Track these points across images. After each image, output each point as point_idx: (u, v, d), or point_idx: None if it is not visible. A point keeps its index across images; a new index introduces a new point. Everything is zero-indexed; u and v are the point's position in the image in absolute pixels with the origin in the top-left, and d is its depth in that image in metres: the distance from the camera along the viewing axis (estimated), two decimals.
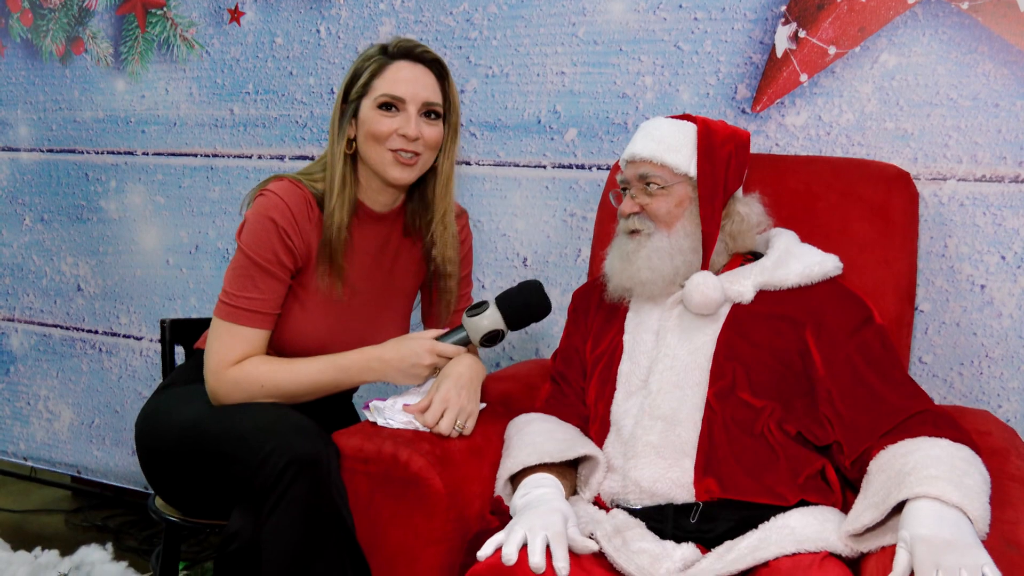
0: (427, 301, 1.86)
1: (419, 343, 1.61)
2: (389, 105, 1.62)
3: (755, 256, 1.61)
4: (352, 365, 1.61)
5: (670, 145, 1.55)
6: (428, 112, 1.65)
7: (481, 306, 1.62)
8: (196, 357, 1.78)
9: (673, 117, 1.61)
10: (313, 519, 1.41)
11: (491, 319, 1.61)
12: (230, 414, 1.55)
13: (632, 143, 1.60)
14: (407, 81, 1.63)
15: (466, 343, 1.64)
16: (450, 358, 1.62)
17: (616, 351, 1.59)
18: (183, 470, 1.59)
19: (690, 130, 1.57)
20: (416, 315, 1.88)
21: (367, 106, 1.63)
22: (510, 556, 1.23)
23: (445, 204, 1.72)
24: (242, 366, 1.58)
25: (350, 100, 1.65)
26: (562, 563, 1.23)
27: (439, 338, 1.63)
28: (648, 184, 1.55)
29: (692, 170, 1.55)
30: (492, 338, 1.62)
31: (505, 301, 1.63)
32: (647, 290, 1.56)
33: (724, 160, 1.54)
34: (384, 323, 1.75)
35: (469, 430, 1.57)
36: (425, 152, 1.65)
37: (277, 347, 1.67)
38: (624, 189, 1.62)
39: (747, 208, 1.58)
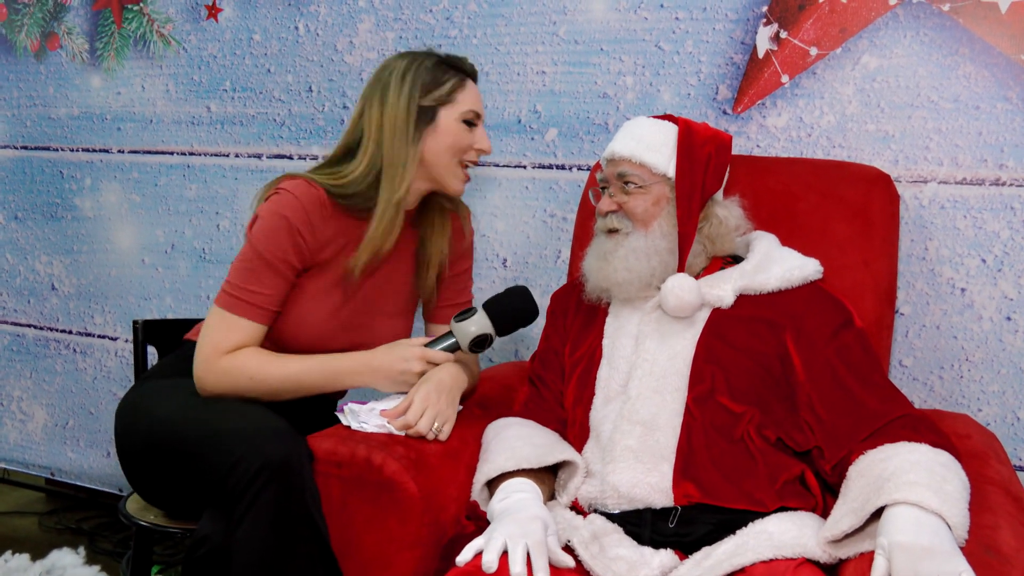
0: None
1: (409, 350, 1.61)
2: (471, 122, 1.67)
3: (735, 260, 1.59)
4: (341, 368, 1.60)
5: (650, 144, 1.54)
6: None
7: (469, 312, 1.63)
8: (184, 348, 1.76)
9: (656, 117, 1.60)
10: (285, 525, 1.39)
11: (479, 324, 1.62)
12: (206, 413, 1.53)
13: (613, 141, 1.59)
14: (480, 101, 1.70)
15: (455, 348, 1.64)
16: (439, 364, 1.62)
17: (595, 355, 1.58)
18: (158, 467, 1.57)
19: (671, 130, 1.56)
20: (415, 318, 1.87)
21: (451, 116, 1.65)
22: (491, 563, 1.21)
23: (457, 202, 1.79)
24: (234, 356, 1.57)
25: (426, 107, 1.64)
26: (543, 573, 1.22)
27: (428, 345, 1.63)
28: (626, 183, 1.54)
29: (671, 170, 1.53)
30: (480, 343, 1.63)
31: (493, 306, 1.64)
32: (623, 291, 1.54)
33: (703, 161, 1.53)
34: (384, 321, 1.74)
35: (445, 435, 1.56)
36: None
37: (276, 340, 1.66)
38: (603, 188, 1.60)
39: (726, 211, 1.57)
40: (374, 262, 1.66)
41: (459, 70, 1.68)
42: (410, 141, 1.62)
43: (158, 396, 1.64)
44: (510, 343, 2.30)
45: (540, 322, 1.75)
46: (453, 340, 1.63)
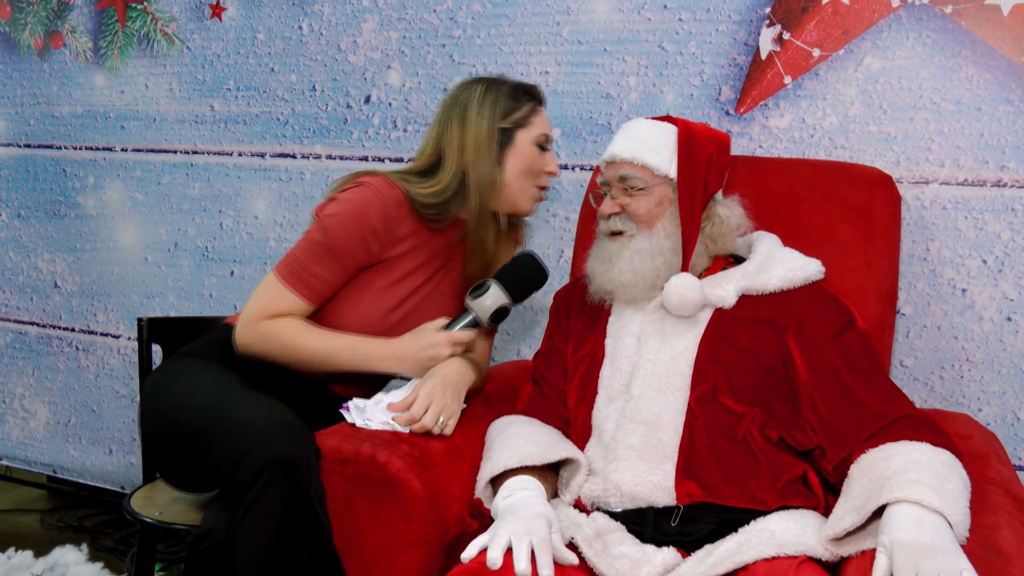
0: None
1: (434, 335, 1.64)
2: (543, 145, 1.74)
3: (737, 260, 1.60)
4: (371, 352, 1.64)
5: (651, 146, 1.55)
6: None
7: (482, 286, 1.68)
8: (225, 332, 1.77)
9: (654, 119, 1.61)
10: (289, 522, 1.39)
11: (495, 297, 1.67)
12: (222, 402, 1.54)
13: (612, 144, 1.59)
14: (550, 125, 1.78)
15: (475, 325, 1.68)
16: (465, 344, 1.67)
17: (598, 355, 1.59)
18: (172, 443, 1.59)
19: (671, 131, 1.56)
20: None
21: (527, 139, 1.72)
22: (495, 560, 1.22)
23: None
24: (273, 322, 1.63)
25: (506, 129, 1.70)
26: (547, 571, 1.22)
27: (447, 326, 1.66)
28: (628, 185, 1.55)
29: (672, 171, 1.54)
30: (499, 314, 1.68)
31: (504, 277, 1.69)
32: (627, 293, 1.55)
33: (704, 162, 1.54)
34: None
35: (450, 430, 1.56)
36: None
37: (327, 326, 1.69)
38: (604, 191, 1.61)
39: (727, 210, 1.58)
40: (484, 263, 1.75)
41: (533, 96, 1.75)
42: (494, 162, 1.69)
43: (186, 375, 1.66)
44: (512, 343, 2.31)
45: (542, 322, 1.75)
46: (472, 316, 1.67)
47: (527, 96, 1.74)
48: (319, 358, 1.63)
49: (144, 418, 1.67)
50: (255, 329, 1.63)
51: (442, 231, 1.74)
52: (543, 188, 1.76)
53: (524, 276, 1.70)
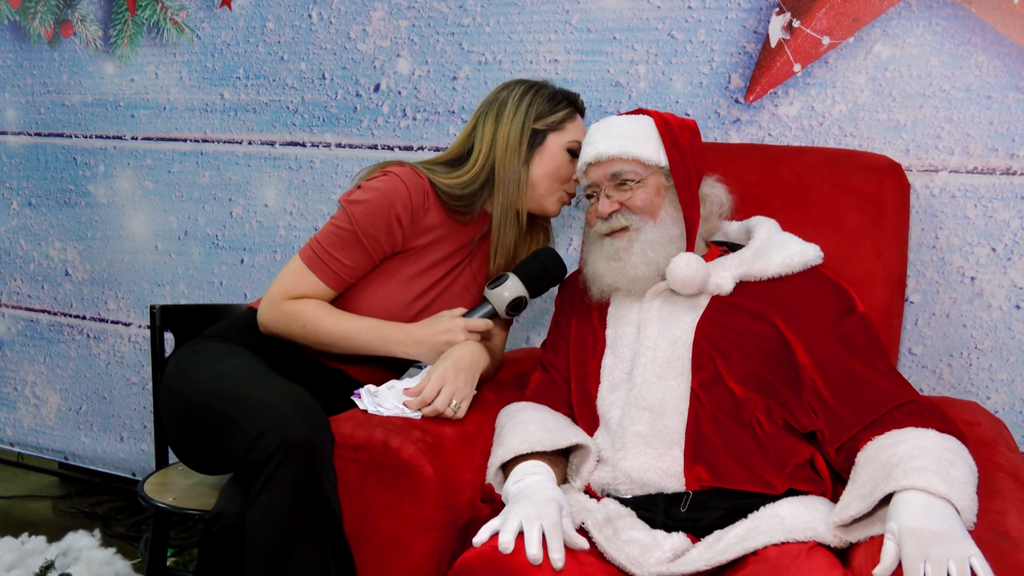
0: None
1: (451, 321, 1.66)
2: (575, 151, 1.73)
3: (733, 248, 1.61)
4: (390, 336, 1.66)
5: (635, 139, 1.56)
6: None
7: (501, 278, 1.70)
8: (246, 314, 1.81)
9: (622, 114, 1.64)
10: (299, 505, 1.41)
11: (512, 288, 1.69)
12: (244, 384, 1.56)
13: (591, 145, 1.61)
14: (585, 135, 1.73)
15: (492, 315, 1.70)
16: (481, 333, 1.69)
17: (598, 345, 1.60)
18: (190, 424, 1.62)
19: (648, 122, 1.59)
20: None
21: (558, 144, 1.73)
22: (507, 544, 1.23)
23: None
24: (297, 303, 1.66)
25: (538, 131, 1.73)
26: (558, 554, 1.23)
27: (466, 315, 1.69)
28: (623, 181, 1.56)
29: (663, 160, 1.56)
30: (516, 306, 1.70)
31: (523, 269, 1.71)
32: (639, 286, 1.56)
33: (688, 146, 1.58)
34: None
35: (463, 412, 1.57)
36: None
37: (350, 311, 1.72)
38: (591, 195, 1.62)
39: (713, 190, 1.62)
40: (507, 259, 1.77)
41: (571, 104, 1.77)
42: (521, 161, 1.71)
43: (208, 358, 1.68)
44: (522, 331, 2.32)
45: (551, 310, 1.76)
46: (490, 307, 1.69)
47: (566, 102, 1.76)
48: (339, 339, 1.66)
49: (165, 399, 1.69)
50: (278, 308, 1.67)
51: (468, 224, 1.76)
52: (571, 194, 1.78)
53: (543, 270, 1.72)
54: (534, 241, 1.84)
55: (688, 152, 1.57)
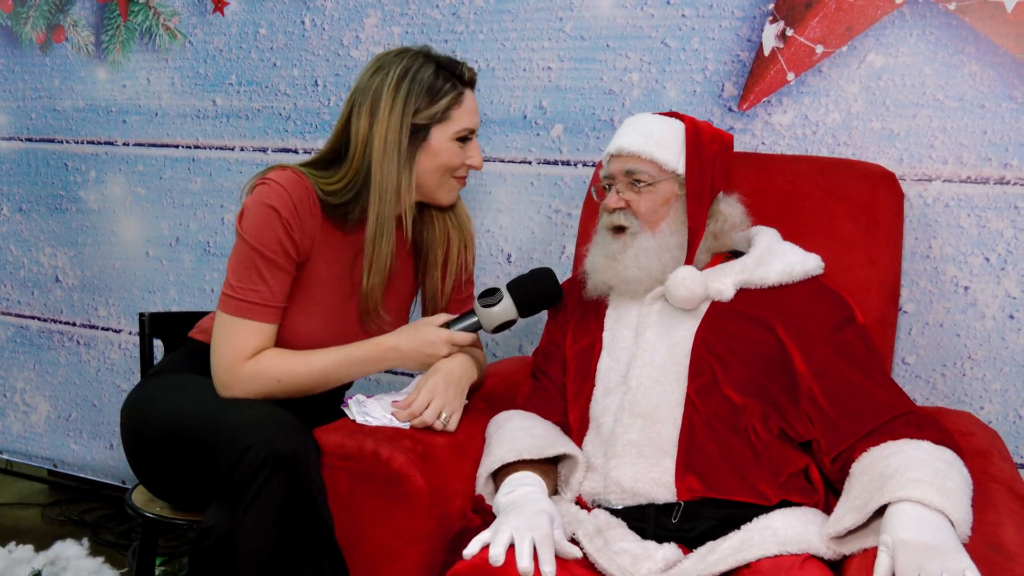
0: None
1: (433, 332, 1.60)
2: (466, 138, 1.64)
3: (735, 255, 1.60)
4: (368, 357, 1.59)
5: (659, 141, 1.55)
6: None
7: (494, 294, 1.62)
8: (189, 346, 1.75)
9: (660, 114, 1.61)
10: (291, 517, 1.40)
11: (504, 309, 1.62)
12: (214, 406, 1.53)
13: (619, 136, 1.59)
14: (476, 112, 1.65)
15: (476, 328, 1.64)
16: (462, 346, 1.63)
17: (595, 347, 1.59)
18: (167, 460, 1.58)
19: (678, 127, 1.57)
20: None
21: (443, 136, 1.61)
22: (497, 557, 1.22)
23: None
24: (258, 360, 1.55)
25: (419, 125, 1.60)
26: (549, 567, 1.22)
27: (449, 323, 1.63)
28: (635, 180, 1.55)
29: (680, 167, 1.54)
30: (504, 326, 1.64)
31: (518, 290, 1.63)
32: (631, 287, 1.55)
33: (711, 159, 1.54)
34: (384, 317, 1.72)
35: (453, 426, 1.56)
36: None
37: (281, 343, 1.63)
38: (607, 185, 1.60)
39: (730, 208, 1.59)
40: (382, 276, 1.64)
41: (458, 78, 1.63)
42: (402, 164, 1.59)
43: (166, 390, 1.64)
44: (514, 339, 2.31)
45: (543, 318, 1.75)
46: (475, 320, 1.63)
47: (450, 84, 1.61)
48: (319, 378, 1.58)
49: (131, 437, 1.64)
50: (239, 375, 1.54)
51: (352, 232, 1.65)
52: (462, 178, 1.67)
53: (538, 291, 1.64)
54: (446, 226, 1.73)
55: (709, 164, 1.54)
